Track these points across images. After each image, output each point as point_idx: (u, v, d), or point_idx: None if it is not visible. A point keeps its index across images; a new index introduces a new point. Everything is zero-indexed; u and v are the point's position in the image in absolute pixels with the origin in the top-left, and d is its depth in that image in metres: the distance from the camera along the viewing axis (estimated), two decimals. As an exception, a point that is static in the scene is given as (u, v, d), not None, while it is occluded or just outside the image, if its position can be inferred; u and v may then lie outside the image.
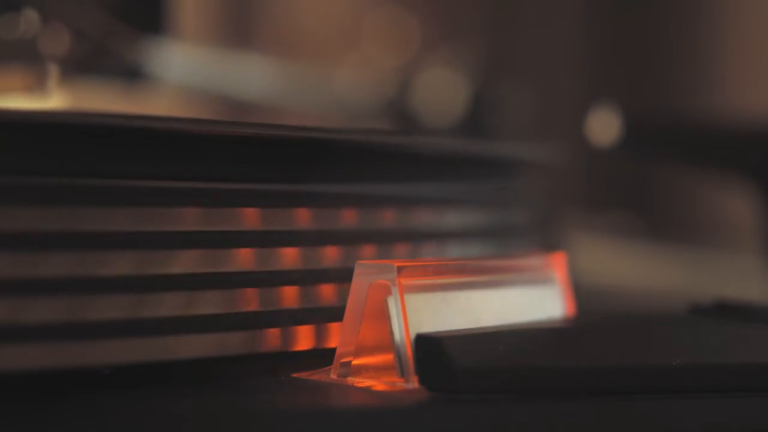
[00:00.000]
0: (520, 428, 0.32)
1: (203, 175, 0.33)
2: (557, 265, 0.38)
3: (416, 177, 0.39)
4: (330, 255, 0.35)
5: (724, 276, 0.73)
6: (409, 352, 0.32)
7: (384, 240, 0.37)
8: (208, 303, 0.33)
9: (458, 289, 0.34)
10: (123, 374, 0.32)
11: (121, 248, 0.31)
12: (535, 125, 0.73)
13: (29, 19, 0.58)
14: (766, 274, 0.54)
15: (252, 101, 0.67)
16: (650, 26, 1.25)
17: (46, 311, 0.30)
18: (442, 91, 0.71)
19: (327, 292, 0.35)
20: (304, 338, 0.35)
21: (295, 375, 0.34)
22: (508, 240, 0.44)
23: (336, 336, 0.35)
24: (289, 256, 0.35)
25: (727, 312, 0.39)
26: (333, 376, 0.34)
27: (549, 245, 0.48)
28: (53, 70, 0.57)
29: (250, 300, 0.34)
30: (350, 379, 0.34)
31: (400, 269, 0.33)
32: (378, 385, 0.33)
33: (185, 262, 0.32)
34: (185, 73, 0.65)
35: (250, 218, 0.34)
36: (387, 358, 0.33)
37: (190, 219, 0.32)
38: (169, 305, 0.32)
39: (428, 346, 0.32)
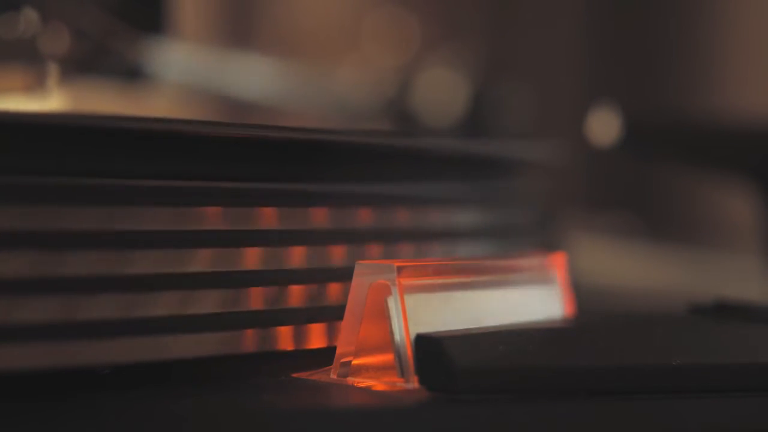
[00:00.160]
0: (520, 428, 0.32)
1: (209, 175, 0.33)
2: (557, 265, 0.38)
3: (416, 177, 0.39)
4: (335, 254, 0.35)
5: (724, 276, 0.73)
6: (409, 352, 0.32)
7: (384, 240, 0.37)
8: (208, 302, 0.33)
9: (458, 289, 0.34)
10: (123, 374, 0.32)
11: (121, 248, 0.31)
12: (535, 125, 0.73)
13: (29, 18, 0.58)
14: (766, 274, 0.54)
15: (252, 101, 0.67)
16: (650, 26, 1.25)
17: (45, 311, 0.30)
18: (442, 91, 0.71)
19: (331, 291, 0.35)
20: (304, 338, 0.35)
21: (295, 375, 0.34)
22: (508, 240, 0.44)
23: (337, 336, 0.35)
24: (292, 256, 0.34)
25: (727, 312, 0.39)
26: (333, 376, 0.34)
27: (549, 245, 0.47)
28: (53, 70, 0.57)
29: (252, 299, 0.34)
30: (350, 379, 0.34)
31: (400, 269, 0.33)
32: (378, 385, 0.33)
33: (185, 261, 0.32)
34: (185, 73, 0.65)
35: (253, 218, 0.34)
36: (387, 358, 0.33)
37: (190, 219, 0.32)
38: (168, 305, 0.32)
39: (428, 346, 0.32)
